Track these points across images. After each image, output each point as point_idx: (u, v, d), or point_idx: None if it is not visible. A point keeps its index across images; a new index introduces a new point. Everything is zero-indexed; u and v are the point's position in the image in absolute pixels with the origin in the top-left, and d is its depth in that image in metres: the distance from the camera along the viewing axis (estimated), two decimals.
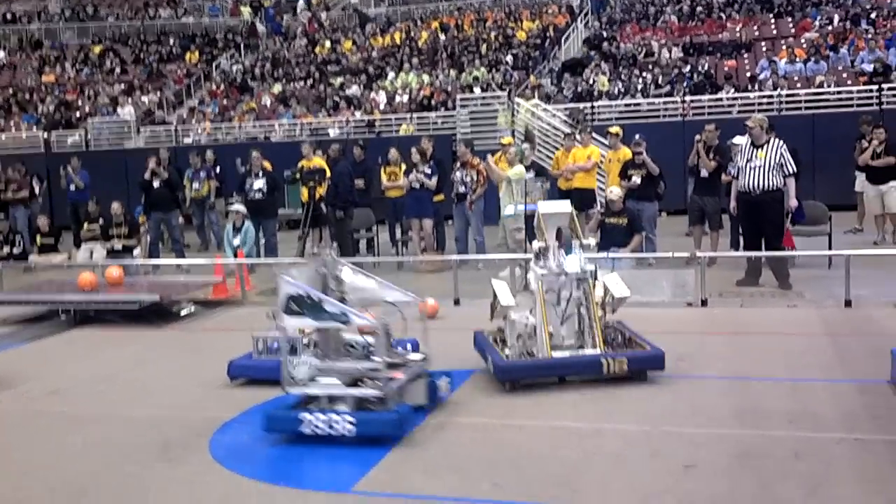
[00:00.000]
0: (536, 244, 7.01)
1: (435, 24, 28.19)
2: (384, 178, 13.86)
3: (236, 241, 13.01)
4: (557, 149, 15.42)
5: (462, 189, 12.79)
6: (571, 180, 13.15)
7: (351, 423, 5.36)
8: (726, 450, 5.09)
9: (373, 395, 5.54)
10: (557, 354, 6.54)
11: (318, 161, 13.76)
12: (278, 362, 6.06)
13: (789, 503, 4.32)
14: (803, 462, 4.84)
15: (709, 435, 5.34)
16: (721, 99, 19.13)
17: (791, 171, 9.78)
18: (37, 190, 17.86)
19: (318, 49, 28.09)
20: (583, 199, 13.25)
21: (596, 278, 6.88)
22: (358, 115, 22.05)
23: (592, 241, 7.29)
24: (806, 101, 18.37)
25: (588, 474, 4.81)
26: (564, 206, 7.25)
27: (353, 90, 23.83)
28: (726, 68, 21.36)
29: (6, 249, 15.14)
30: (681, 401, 6.05)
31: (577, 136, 13.85)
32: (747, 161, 9.81)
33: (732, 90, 19.51)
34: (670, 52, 22.84)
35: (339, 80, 24.84)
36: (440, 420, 5.85)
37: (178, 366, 7.80)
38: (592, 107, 19.57)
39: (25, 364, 8.02)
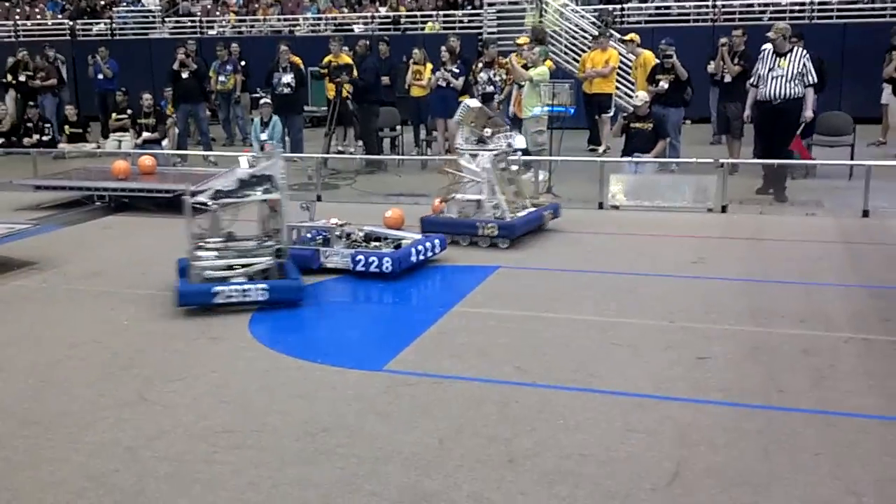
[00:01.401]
0: (488, 130, 8.30)
1: None
2: (409, 76, 13.89)
3: (264, 136, 13.17)
4: (584, 51, 15.37)
5: (489, 89, 12.81)
6: (591, 84, 13.17)
7: (264, 289, 6.20)
8: (738, 345, 5.36)
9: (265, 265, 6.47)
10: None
11: (346, 58, 13.78)
12: (311, 251, 7.05)
13: (795, 393, 4.60)
14: (811, 357, 5.11)
15: (722, 331, 5.61)
16: (752, 5, 18.82)
17: (811, 81, 9.78)
18: (63, 78, 17.95)
19: None
20: (600, 104, 13.31)
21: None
22: (383, 10, 21.83)
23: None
24: (838, 10, 18.06)
25: (605, 362, 5.10)
26: (474, 102, 8.80)
27: None
28: None
29: (36, 137, 15.40)
30: (697, 299, 6.31)
31: (597, 40, 13.79)
32: (769, 70, 9.82)
33: None
34: None
35: None
36: (466, 310, 6.14)
37: None
38: (622, 9, 19.31)
39: (65, 247, 8.34)
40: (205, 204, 6.47)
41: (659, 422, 4.27)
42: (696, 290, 6.54)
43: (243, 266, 6.42)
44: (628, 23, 18.76)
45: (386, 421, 4.35)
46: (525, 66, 11.78)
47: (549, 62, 13.39)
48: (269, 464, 3.90)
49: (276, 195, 6.54)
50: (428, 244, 7.34)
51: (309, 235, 7.54)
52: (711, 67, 12.36)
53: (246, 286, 6.21)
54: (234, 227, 6.79)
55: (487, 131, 8.30)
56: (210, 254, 6.48)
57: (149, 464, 3.90)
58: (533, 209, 8.46)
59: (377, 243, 7.36)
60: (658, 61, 11.94)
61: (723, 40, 12.03)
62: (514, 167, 8.60)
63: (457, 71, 12.99)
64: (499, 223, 7.87)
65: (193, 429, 4.27)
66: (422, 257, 7.24)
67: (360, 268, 6.98)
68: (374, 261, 6.94)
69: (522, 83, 11.95)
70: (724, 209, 9.40)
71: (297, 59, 14.23)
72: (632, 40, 12.98)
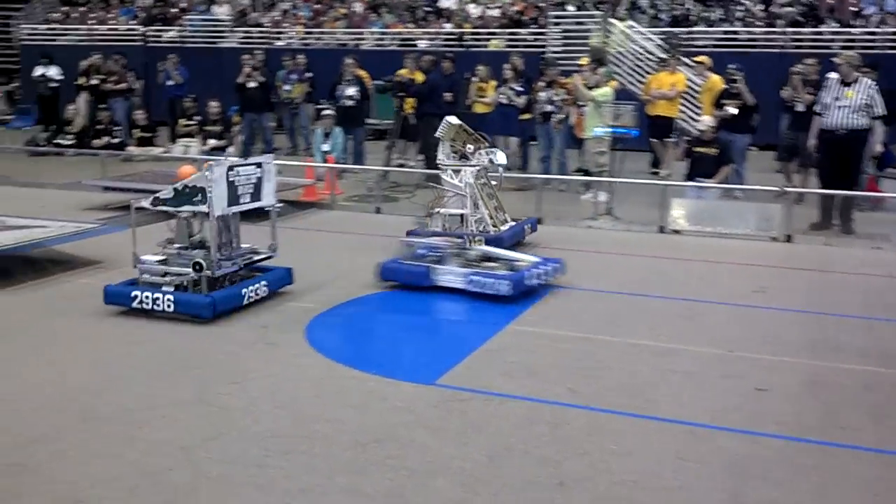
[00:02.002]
0: (470, 146, 8.56)
1: None
2: (473, 92, 13.92)
3: (325, 147, 13.33)
4: (650, 73, 15.27)
5: (549, 108, 12.79)
6: (654, 106, 13.07)
7: (170, 301, 6.18)
8: (797, 377, 5.26)
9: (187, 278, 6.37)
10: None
11: (419, 74, 13.85)
12: (423, 268, 6.98)
13: (854, 430, 4.49)
14: (872, 394, 4.99)
15: (781, 362, 5.50)
16: (822, 33, 18.51)
17: (879, 113, 9.55)
18: (134, 84, 18.37)
19: None
20: (662, 128, 13.18)
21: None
22: (448, 27, 21.95)
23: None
24: None
25: (661, 388, 5.04)
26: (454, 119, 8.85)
27: (445, 2, 23.65)
28: (830, 1, 20.55)
29: (105, 139, 15.80)
30: (756, 329, 6.20)
31: (666, 62, 13.68)
32: (834, 98, 9.64)
33: (835, 24, 18.84)
34: None
35: None
36: (520, 329, 6.13)
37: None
38: (689, 32, 19.15)
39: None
40: (145, 208, 6.59)
41: (713, 452, 4.21)
42: (757, 320, 6.43)
43: (172, 275, 6.37)
44: (695, 46, 18.56)
45: (436, 435, 4.35)
46: (589, 87, 11.75)
47: (613, 82, 13.33)
48: (320, 471, 3.93)
49: (202, 208, 6.33)
50: (546, 268, 7.10)
51: (422, 252, 7.33)
52: (785, 94, 12.18)
53: (156, 295, 6.20)
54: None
55: (469, 147, 8.51)
56: (154, 258, 6.51)
57: (202, 464, 3.96)
58: (514, 223, 8.63)
59: (492, 264, 7.15)
60: (725, 86, 11.80)
61: (796, 68, 11.84)
62: (494, 182, 8.76)
63: (520, 89, 13.00)
64: (486, 236, 7.93)
65: (247, 432, 4.32)
66: (539, 281, 6.98)
67: (474, 289, 6.75)
68: (490, 282, 6.70)
69: (585, 104, 11.92)
70: (788, 238, 9.23)
71: (362, 73, 14.38)
72: (702, 63, 12.84)
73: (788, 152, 11.82)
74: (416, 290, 7.02)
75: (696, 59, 13.15)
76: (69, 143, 16.12)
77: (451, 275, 6.94)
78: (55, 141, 16.41)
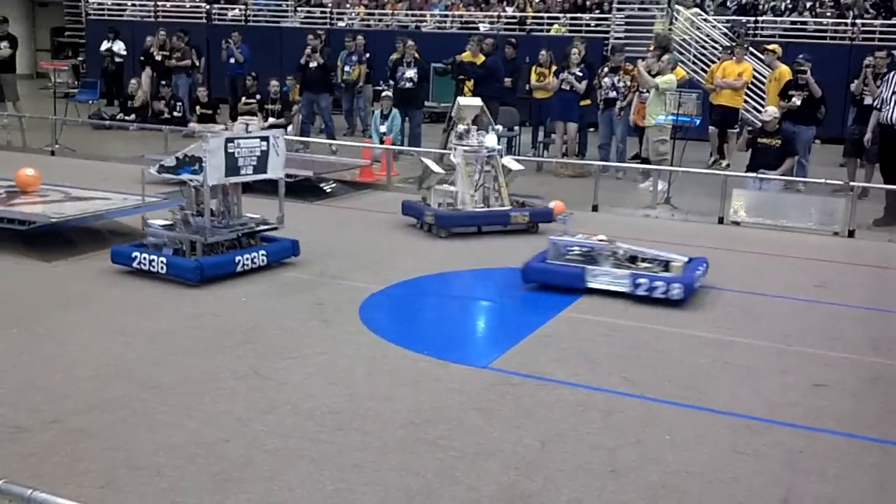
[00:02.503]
0: (460, 127, 8.80)
1: None
2: (533, 77, 13.84)
3: (383, 128, 13.38)
4: (714, 62, 15.03)
5: (612, 95, 12.65)
6: (718, 95, 12.86)
7: (163, 263, 6.47)
8: (857, 374, 5.16)
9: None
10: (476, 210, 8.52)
11: (480, 57, 13.79)
12: (577, 270, 6.64)
13: None
14: None
15: (841, 359, 5.39)
16: (895, 25, 18.00)
17: None
18: (196, 61, 18.59)
19: None
20: (725, 118, 12.96)
21: (501, 157, 8.86)
22: (510, 10, 21.82)
23: (500, 127, 9.29)
24: None
25: (717, 381, 4.98)
26: (476, 101, 9.18)
27: None
28: None
29: (167, 114, 16.06)
30: (816, 324, 6.09)
31: (733, 51, 13.44)
32: (893, 93, 9.38)
33: None
34: None
35: None
36: (574, 316, 6.09)
37: (330, 238, 8.24)
38: (756, 21, 18.79)
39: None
40: (153, 171, 6.90)
41: (769, 446, 4.14)
42: (816, 315, 6.31)
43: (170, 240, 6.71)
44: (762, 35, 18.23)
45: (488, 418, 4.35)
46: (652, 74, 11.59)
47: (680, 70, 13.14)
48: (373, 448, 3.96)
49: (198, 177, 6.55)
50: (701, 269, 6.74)
51: (574, 250, 6.86)
52: (854, 86, 11.89)
53: (152, 257, 6.51)
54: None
55: (462, 127, 8.75)
56: (160, 223, 6.80)
57: (258, 436, 4.02)
58: (507, 208, 8.66)
59: (646, 264, 6.71)
60: (792, 77, 11.55)
61: (867, 61, 11.54)
62: (491, 165, 8.73)
63: (580, 74, 12.87)
64: (436, 213, 8.35)
65: (302, 407, 4.37)
66: (700, 284, 6.66)
67: (641, 292, 6.35)
68: (661, 286, 6.31)
69: (647, 91, 11.77)
70: (851, 234, 9.03)
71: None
72: (773, 52, 12.58)
73: (854, 147, 11.54)
74: (470, 273, 7.03)
75: (767, 47, 12.87)
76: (131, 118, 16.42)
77: (608, 276, 6.52)
78: (118, 116, 16.74)
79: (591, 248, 6.77)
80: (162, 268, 6.47)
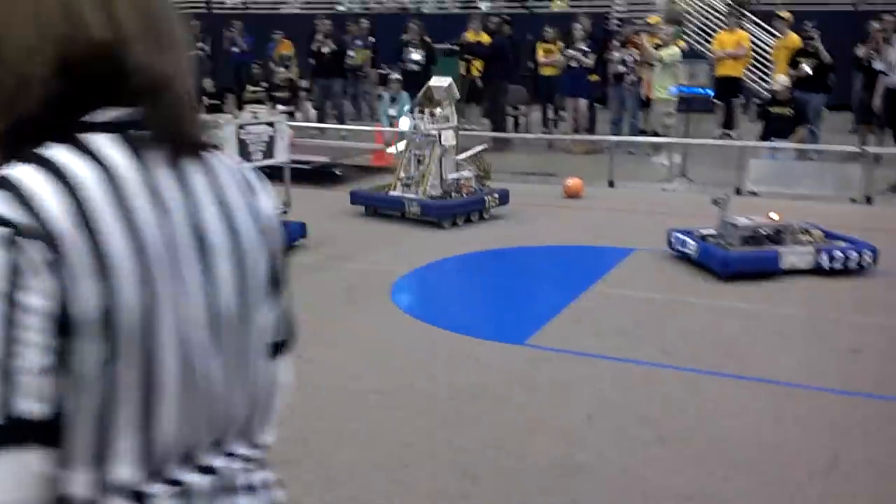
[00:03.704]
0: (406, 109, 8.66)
1: None
2: (540, 54, 13.82)
3: (392, 112, 13.37)
4: (717, 32, 14.99)
5: (621, 69, 12.64)
6: (720, 66, 12.84)
7: None
8: (890, 339, 5.20)
9: None
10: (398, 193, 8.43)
11: (484, 36, 13.79)
12: (771, 252, 6.42)
13: None
14: None
15: (874, 323, 5.44)
16: None
17: None
18: (205, 46, 18.54)
19: None
20: (728, 88, 12.91)
21: (440, 142, 8.36)
22: None
23: (438, 110, 8.59)
24: None
25: (754, 349, 5.02)
26: (445, 80, 8.77)
27: None
28: None
29: None
30: (845, 291, 6.13)
31: (728, 20, 13.43)
32: None
33: None
34: None
35: None
36: (606, 290, 6.13)
37: (347, 224, 8.29)
38: None
39: None
40: None
41: (812, 411, 4.19)
42: (844, 283, 6.34)
43: None
44: (764, 4, 18.15)
45: (531, 393, 4.40)
46: (656, 47, 11.60)
47: (681, 42, 13.11)
48: (421, 426, 4.01)
49: None
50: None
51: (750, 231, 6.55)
52: (861, 52, 11.86)
53: None
54: None
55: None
56: None
57: (309, 419, 4.06)
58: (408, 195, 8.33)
59: (806, 237, 6.63)
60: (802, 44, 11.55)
61: (876, 25, 11.52)
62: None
63: (587, 49, 12.85)
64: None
65: (348, 387, 4.42)
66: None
67: (836, 265, 6.36)
68: (853, 256, 6.36)
69: (653, 63, 11.77)
70: (868, 200, 9.05)
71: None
72: (786, 19, 12.52)
73: (864, 113, 11.55)
74: (492, 253, 7.06)
75: (780, 13, 12.81)
76: None
77: (794, 255, 6.39)
78: None
79: (775, 228, 6.56)
80: None
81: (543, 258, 7.16)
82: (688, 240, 6.72)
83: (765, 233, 6.56)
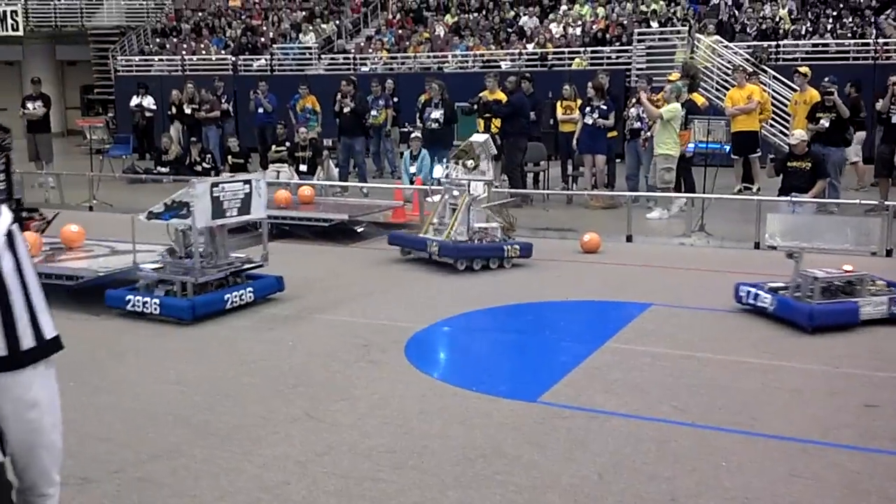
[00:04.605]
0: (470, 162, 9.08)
1: None
2: (559, 111, 13.97)
3: (413, 169, 13.54)
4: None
5: (636, 125, 12.73)
6: (735, 122, 12.91)
7: (157, 304, 6.80)
8: None
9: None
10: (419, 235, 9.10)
11: (500, 94, 13.97)
12: (852, 304, 6.48)
13: None
14: None
15: (889, 378, 5.39)
16: None
17: None
18: (229, 108, 18.93)
19: None
20: (745, 143, 12.97)
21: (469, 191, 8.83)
22: (530, 47, 22.05)
23: (471, 163, 9.04)
24: None
25: (768, 405, 4.98)
26: (483, 136, 9.43)
27: (525, 21, 23.76)
28: None
29: (199, 167, 16.33)
30: (861, 345, 6.08)
31: (735, 77, 13.57)
32: None
33: None
34: None
35: (513, 11, 24.83)
36: (619, 346, 6.12)
37: (366, 279, 8.35)
38: (777, 45, 18.85)
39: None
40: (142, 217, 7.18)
41: (826, 468, 4.15)
42: (861, 337, 6.29)
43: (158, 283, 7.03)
44: (783, 59, 18.30)
45: (543, 452, 4.39)
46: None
47: (700, 97, 13.20)
48: (431, 486, 4.01)
49: (186, 222, 6.92)
50: None
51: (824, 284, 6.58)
52: (880, 105, 11.90)
53: (145, 299, 6.86)
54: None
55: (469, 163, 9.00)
56: (151, 266, 7.17)
57: (318, 478, 4.08)
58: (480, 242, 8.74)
59: (873, 287, 6.68)
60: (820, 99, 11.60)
61: (893, 79, 11.56)
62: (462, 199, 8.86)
63: (605, 108, 12.95)
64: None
65: (358, 447, 4.43)
66: None
67: None
68: None
69: (637, 123, 11.97)
70: (888, 253, 9.00)
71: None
72: (804, 74, 12.60)
73: (885, 166, 11.53)
74: (508, 308, 7.08)
75: (798, 69, 12.90)
76: (166, 171, 16.72)
77: (870, 305, 6.48)
78: (153, 169, 17.05)
79: (848, 279, 6.65)
80: (156, 308, 6.81)
81: (559, 313, 7.17)
82: (761, 293, 6.77)
83: (839, 284, 6.63)
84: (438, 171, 9.27)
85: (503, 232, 8.97)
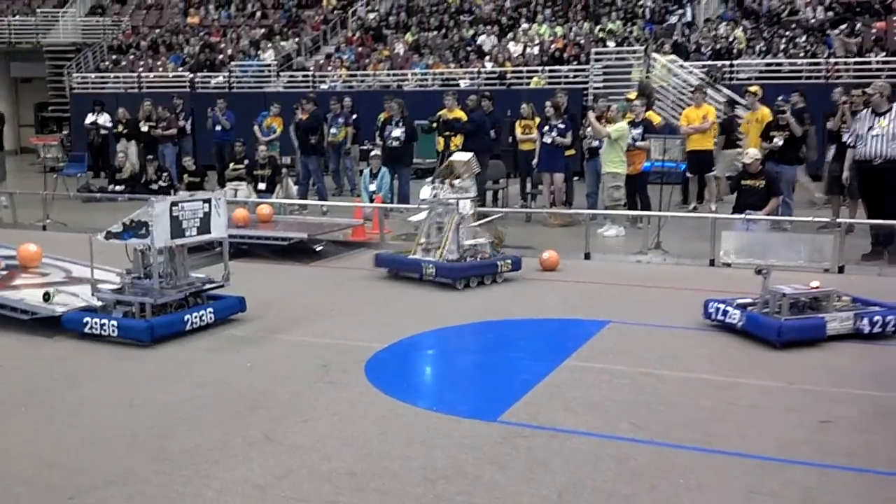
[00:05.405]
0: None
1: None
2: (518, 130, 14.06)
3: (373, 187, 13.52)
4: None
5: (595, 144, 12.85)
6: (689, 141, 13.11)
7: (115, 326, 6.68)
8: (862, 408, 5.23)
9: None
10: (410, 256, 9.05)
11: (459, 112, 14.02)
12: (819, 320, 6.61)
13: None
14: None
15: (845, 393, 5.48)
16: (869, 62, 18.43)
17: None
18: (187, 127, 18.77)
19: None
20: (700, 162, 13.18)
21: (459, 210, 8.84)
22: (489, 66, 22.20)
23: (458, 181, 9.13)
24: None
25: (725, 422, 5.03)
26: (466, 155, 9.47)
27: (484, 40, 23.91)
28: (874, 30, 20.49)
29: (155, 185, 16.17)
30: (816, 361, 6.18)
31: (692, 95, 13.80)
32: (867, 129, 9.59)
33: (882, 53, 18.76)
34: (815, 10, 22.03)
35: (472, 30, 24.99)
36: (578, 364, 6.15)
37: (327, 298, 8.31)
38: (731, 65, 19.18)
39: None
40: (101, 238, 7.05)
41: (783, 485, 4.19)
42: (816, 352, 6.39)
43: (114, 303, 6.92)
44: (738, 79, 18.61)
45: (504, 472, 4.38)
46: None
47: (655, 116, 13.37)
48: None
49: (145, 241, 6.83)
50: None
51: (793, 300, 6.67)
52: (831, 124, 12.15)
53: (103, 321, 6.71)
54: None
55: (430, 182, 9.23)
56: (109, 287, 7.07)
57: (278, 502, 4.03)
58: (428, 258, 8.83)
59: (838, 303, 6.80)
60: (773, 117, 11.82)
61: (843, 99, 11.82)
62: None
63: (563, 127, 13.05)
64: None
65: (318, 470, 4.39)
66: None
67: (876, 329, 6.59)
68: (892, 320, 6.63)
69: (596, 142, 12.15)
70: (840, 269, 9.17)
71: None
72: (755, 93, 12.83)
73: (836, 184, 11.74)
74: (468, 327, 7.08)
75: (749, 89, 13.14)
76: (121, 189, 16.52)
77: (836, 321, 6.58)
78: (108, 188, 16.83)
79: (814, 296, 6.75)
80: (113, 331, 6.68)
81: (519, 331, 7.19)
82: (730, 309, 6.84)
83: (806, 300, 6.73)
84: (426, 192, 9.18)
85: (492, 247, 9.12)
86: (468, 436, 4.86)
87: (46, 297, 7.04)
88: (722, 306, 6.96)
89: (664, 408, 5.26)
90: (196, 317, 6.98)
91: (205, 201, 7.26)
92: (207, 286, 7.36)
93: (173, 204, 6.94)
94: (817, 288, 6.82)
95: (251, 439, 4.81)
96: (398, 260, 9.25)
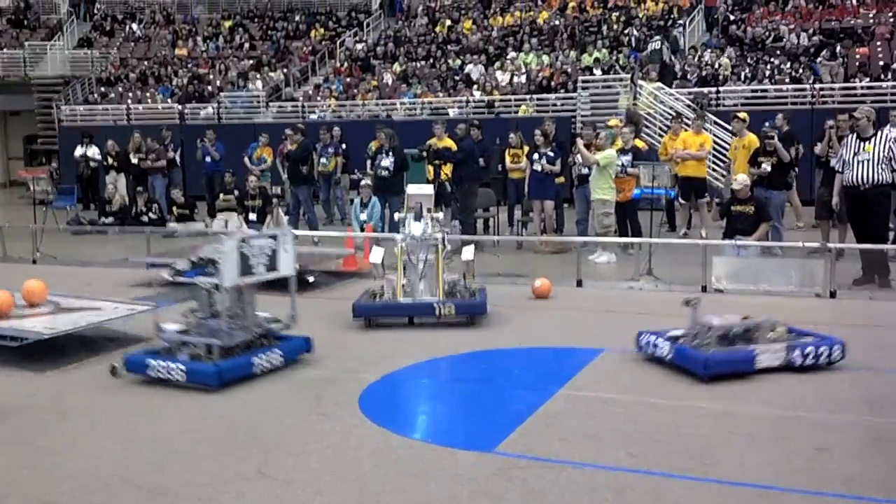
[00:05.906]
0: (397, 215, 8.94)
1: (556, 4, 28.13)
2: (507, 159, 14.12)
3: (363, 216, 13.53)
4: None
5: (584, 171, 12.90)
6: (683, 167, 13.18)
7: (182, 370, 6.31)
8: (858, 435, 5.22)
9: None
10: (406, 301, 8.33)
11: (448, 141, 14.09)
12: (750, 353, 6.41)
13: None
14: None
15: (840, 420, 5.46)
16: (854, 87, 18.62)
17: None
18: (177, 159, 18.79)
19: (438, 28, 28.48)
20: (693, 188, 13.28)
21: (445, 245, 8.50)
22: (478, 94, 22.32)
23: (441, 214, 8.94)
24: None
25: (722, 451, 5.01)
26: (427, 189, 9.15)
27: (472, 69, 24.06)
28: (858, 56, 20.73)
29: (145, 217, 16.15)
30: (811, 388, 6.16)
31: (690, 123, 13.89)
32: (854, 154, 9.66)
33: (866, 79, 18.96)
34: (798, 37, 22.28)
35: (459, 60, 25.16)
36: (573, 394, 6.13)
37: (320, 329, 8.25)
38: (717, 92, 19.34)
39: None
40: (167, 276, 6.93)
41: None
42: (809, 379, 6.38)
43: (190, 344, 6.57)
44: (724, 105, 18.76)
45: None
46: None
47: (640, 142, 13.46)
48: None
49: (213, 280, 6.53)
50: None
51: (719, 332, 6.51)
52: (818, 149, 12.25)
53: (169, 364, 6.37)
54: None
55: (399, 216, 8.79)
56: (174, 328, 6.69)
57: None
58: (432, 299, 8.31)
59: (772, 335, 6.60)
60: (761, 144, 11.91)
61: (830, 123, 11.93)
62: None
63: (552, 155, 13.10)
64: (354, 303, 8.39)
65: None
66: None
67: (808, 361, 6.41)
68: (824, 350, 6.45)
69: (585, 168, 12.21)
70: (832, 294, 9.19)
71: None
72: (743, 120, 12.92)
73: (825, 209, 11.81)
74: (462, 357, 7.06)
75: (737, 115, 13.23)
76: (110, 221, 16.48)
77: (767, 353, 6.39)
78: (98, 220, 16.80)
79: (746, 327, 6.59)
80: (181, 375, 6.32)
81: (513, 360, 7.17)
82: (660, 342, 6.72)
83: (736, 332, 6.56)
84: (417, 228, 8.48)
85: (463, 279, 8.77)
86: (463, 468, 4.83)
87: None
88: (653, 338, 6.76)
89: (659, 436, 5.24)
90: (264, 359, 6.62)
91: (272, 237, 6.93)
92: (274, 326, 7.02)
93: (242, 240, 6.65)
94: (748, 318, 6.66)
95: (244, 474, 4.76)
96: (390, 306, 8.41)
